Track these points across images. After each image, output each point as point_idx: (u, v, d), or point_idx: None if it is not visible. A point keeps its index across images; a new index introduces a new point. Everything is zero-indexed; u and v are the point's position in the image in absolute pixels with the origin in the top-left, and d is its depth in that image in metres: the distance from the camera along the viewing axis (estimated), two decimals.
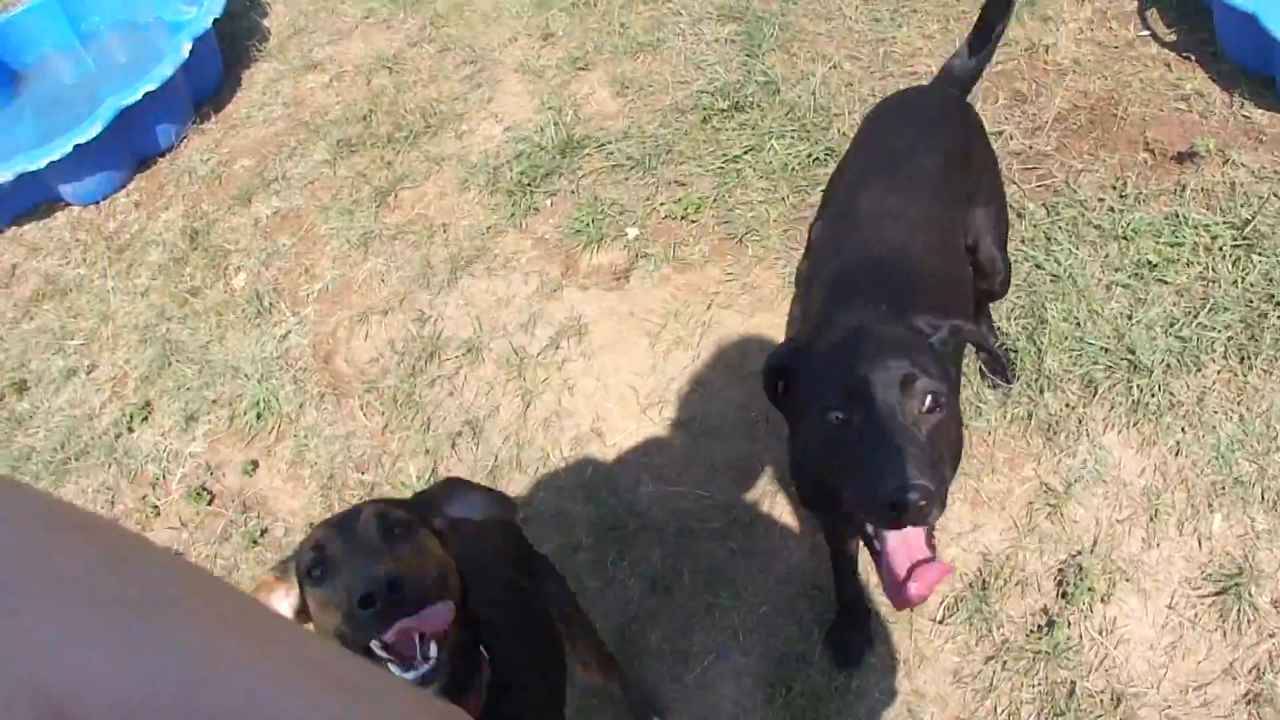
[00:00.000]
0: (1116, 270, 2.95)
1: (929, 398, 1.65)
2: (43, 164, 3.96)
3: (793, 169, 3.43)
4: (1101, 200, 3.12)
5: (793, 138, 3.52)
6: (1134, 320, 2.84)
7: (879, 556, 1.70)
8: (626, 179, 3.56)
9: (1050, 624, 2.45)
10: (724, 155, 3.53)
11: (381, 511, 1.48)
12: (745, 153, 3.52)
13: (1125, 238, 3.00)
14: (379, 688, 0.33)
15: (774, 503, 2.76)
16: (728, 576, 2.67)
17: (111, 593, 0.29)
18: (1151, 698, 2.33)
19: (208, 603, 0.31)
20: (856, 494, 1.64)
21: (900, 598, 1.70)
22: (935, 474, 1.59)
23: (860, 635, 2.52)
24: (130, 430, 3.45)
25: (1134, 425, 2.69)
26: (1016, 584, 2.53)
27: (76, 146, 3.94)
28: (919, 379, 1.65)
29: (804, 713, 2.45)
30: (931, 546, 1.71)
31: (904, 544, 1.70)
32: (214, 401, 3.40)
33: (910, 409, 1.64)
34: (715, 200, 3.41)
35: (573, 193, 3.58)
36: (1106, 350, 2.81)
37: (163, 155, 4.43)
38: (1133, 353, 2.78)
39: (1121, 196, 3.11)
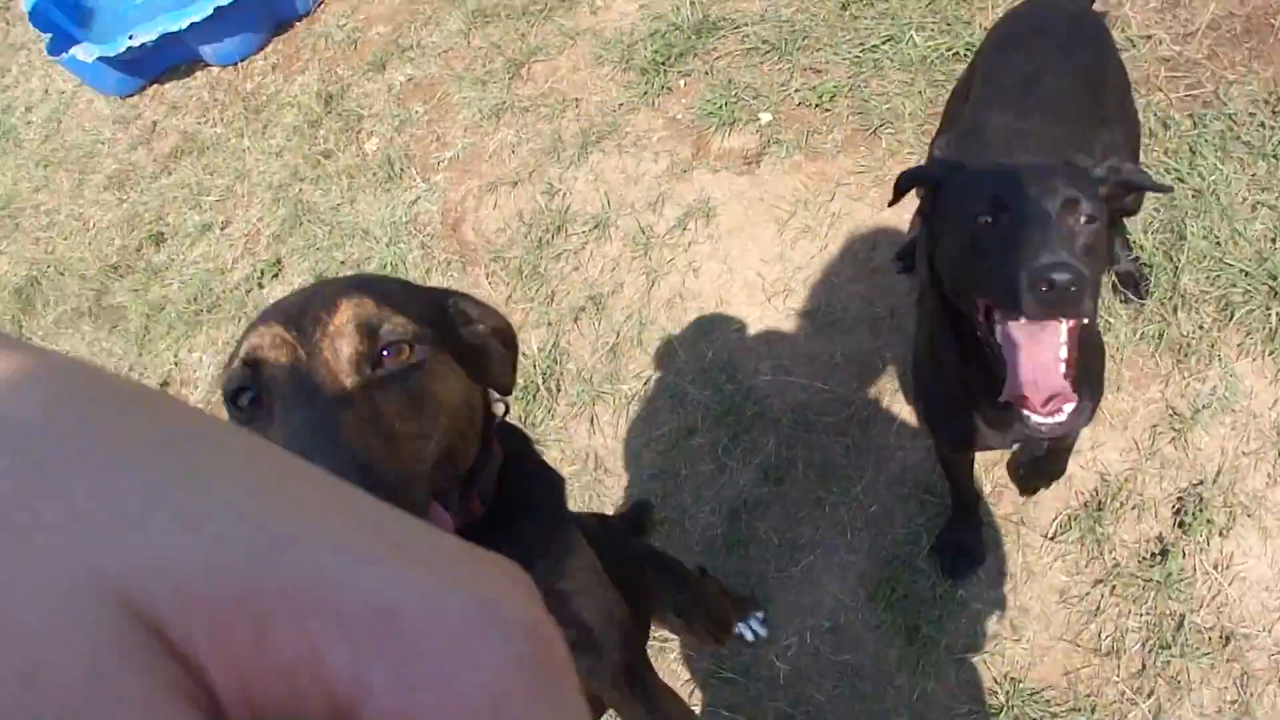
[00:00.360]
0: (1264, 190, 2.80)
1: (1084, 218, 1.57)
2: (184, 25, 4.04)
3: (932, 63, 3.31)
4: (1252, 115, 2.95)
5: (933, 30, 3.39)
6: (1278, 244, 2.72)
7: (1011, 356, 1.60)
8: (761, 63, 3.49)
9: (1164, 553, 2.39)
10: (861, 44, 3.43)
11: (365, 313, 0.99)
12: (883, 43, 3.41)
13: (1275, 156, 2.85)
14: (458, 559, 0.31)
15: (893, 401, 2.73)
16: (841, 472, 2.67)
17: (169, 469, 0.27)
18: (1262, 640, 2.27)
19: (271, 473, 0.30)
20: (1001, 281, 1.55)
21: (1024, 405, 1.62)
22: (1086, 270, 1.49)
23: (970, 547, 2.50)
24: (261, 286, 3.55)
25: (1270, 354, 2.57)
26: (1133, 508, 2.47)
27: (217, 8, 4.00)
28: (1081, 201, 1.56)
29: (906, 615, 2.45)
30: (1071, 382, 1.61)
31: (1039, 356, 1.60)
32: (342, 262, 3.47)
33: (1067, 221, 1.56)
34: (850, 90, 3.32)
35: (706, 74, 3.51)
36: (1246, 273, 2.67)
37: (300, 20, 4.46)
38: (1275, 278, 2.64)
39: (1274, 112, 2.94)
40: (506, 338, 1.19)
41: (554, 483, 1.32)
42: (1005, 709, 2.31)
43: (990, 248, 1.62)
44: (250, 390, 0.97)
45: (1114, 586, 2.39)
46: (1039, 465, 2.44)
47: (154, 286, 3.71)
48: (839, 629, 2.49)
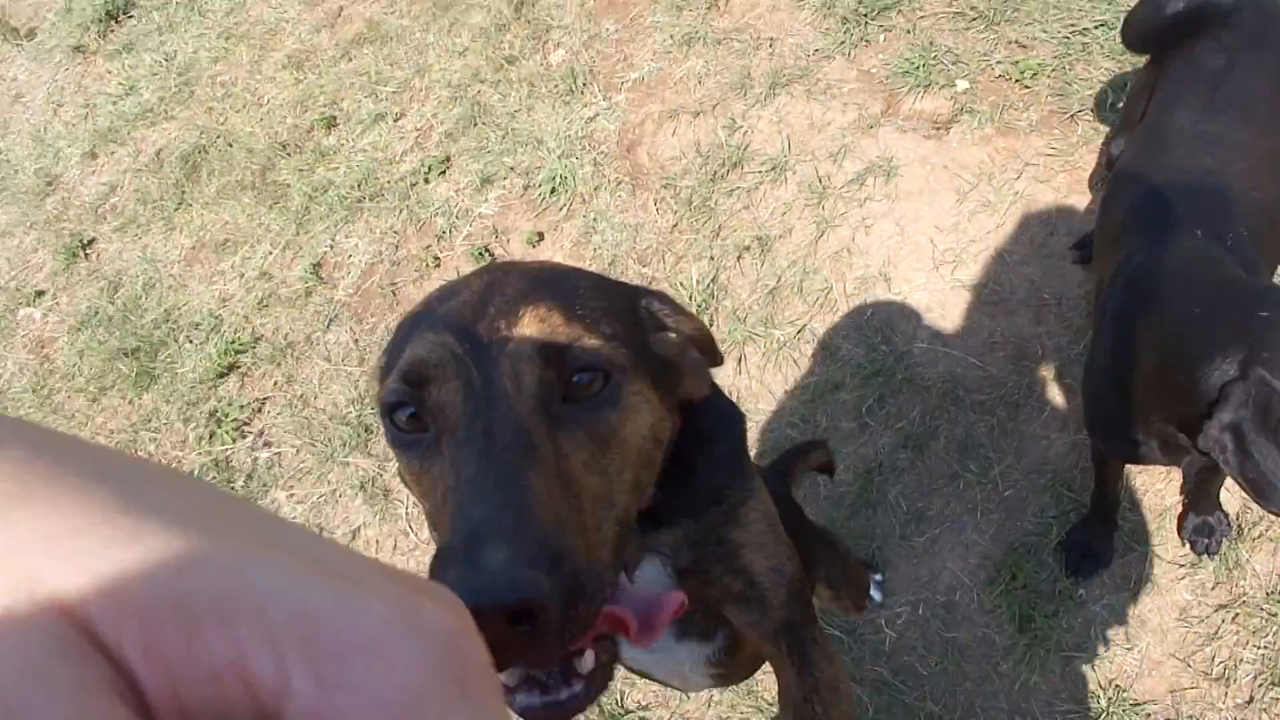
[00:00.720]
0: None
1: None
2: None
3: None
4: None
5: None
6: None
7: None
8: (966, 29, 3.40)
9: None
10: (1073, 25, 3.32)
11: (553, 330, 0.84)
12: (1096, 27, 3.30)
13: None
14: (379, 576, 0.32)
15: (1046, 390, 2.68)
16: (981, 451, 2.64)
17: (104, 495, 0.29)
18: None
19: (201, 498, 0.32)
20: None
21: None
22: None
23: (1099, 549, 2.45)
24: (426, 181, 3.61)
25: None
26: (1270, 540, 2.41)
27: None
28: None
29: (1021, 604, 2.43)
30: None
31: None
32: (511, 169, 3.51)
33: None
34: (1054, 70, 3.22)
35: (908, 32, 3.44)
36: None
37: None
38: None
39: None
40: (706, 346, 1.06)
41: (734, 421, 1.21)
42: (1105, 714, 2.29)
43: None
44: (410, 408, 0.85)
45: (1236, 614, 2.34)
46: (1205, 483, 2.37)
47: (320, 168, 3.79)
48: (952, 606, 2.48)
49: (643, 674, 1.45)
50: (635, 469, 0.89)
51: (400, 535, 2.88)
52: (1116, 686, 2.33)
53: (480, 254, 3.31)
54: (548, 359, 0.82)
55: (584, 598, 0.73)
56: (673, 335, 1.01)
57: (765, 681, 2.43)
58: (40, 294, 3.80)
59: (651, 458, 0.93)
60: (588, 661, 0.79)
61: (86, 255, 3.83)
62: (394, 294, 3.35)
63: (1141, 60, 2.54)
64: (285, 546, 0.31)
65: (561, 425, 0.82)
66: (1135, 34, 2.49)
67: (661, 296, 1.02)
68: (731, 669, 1.39)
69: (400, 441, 0.87)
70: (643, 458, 0.90)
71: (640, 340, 0.95)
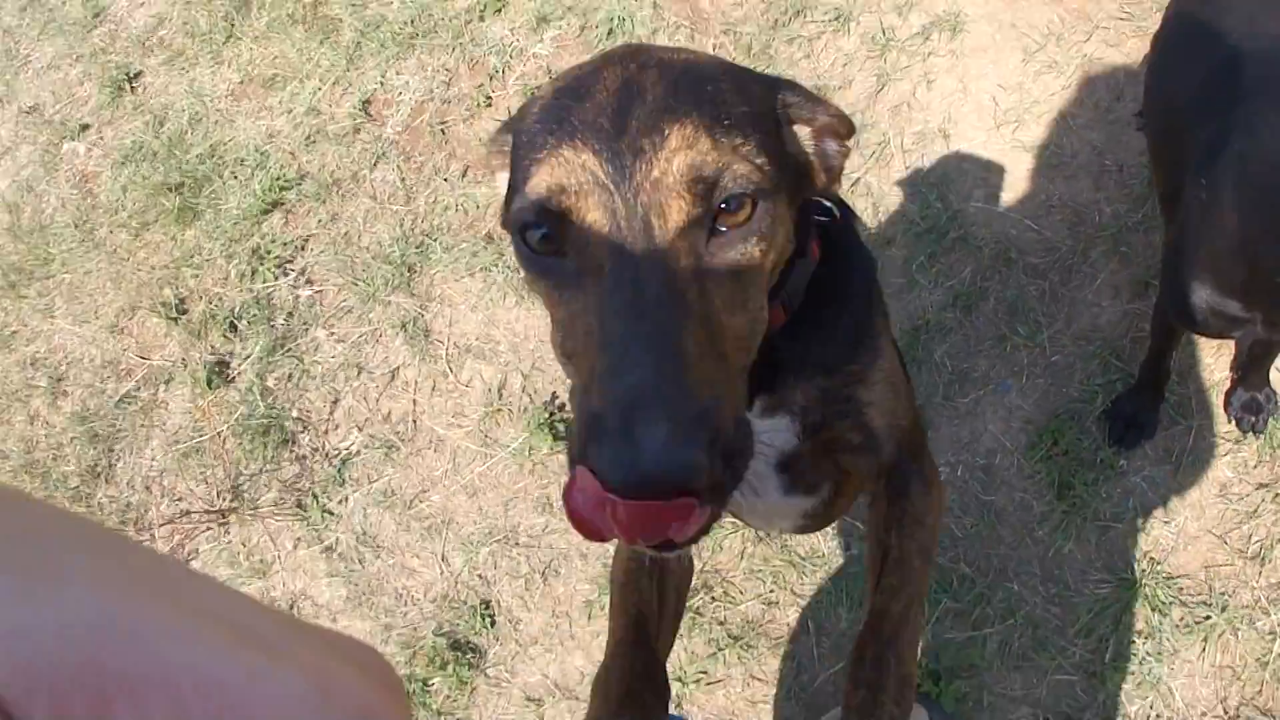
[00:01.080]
0: None
1: None
2: None
3: None
4: None
5: None
6: None
7: None
8: None
9: None
10: None
11: (702, 158, 0.79)
12: None
13: None
14: (300, 644, 0.32)
15: (1101, 255, 2.63)
16: (1030, 314, 2.60)
17: (22, 560, 0.29)
18: None
19: (117, 566, 0.31)
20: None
21: None
22: None
23: (1145, 420, 2.42)
24: (482, 19, 3.52)
25: None
26: None
27: None
28: None
29: (1060, 471, 2.42)
30: None
31: None
32: (569, 8, 3.42)
33: None
34: None
35: None
36: None
37: None
38: None
39: None
40: (843, 130, 0.98)
41: (867, 269, 1.18)
42: (1138, 585, 2.28)
43: None
44: (544, 229, 0.82)
45: (1277, 494, 2.33)
46: (1258, 358, 2.33)
47: (373, 4, 3.70)
48: (991, 469, 2.47)
49: (732, 514, 1.46)
50: (765, 295, 0.86)
51: (440, 376, 2.89)
52: (1151, 559, 2.33)
53: (534, 91, 3.24)
54: (696, 195, 0.79)
55: (736, 459, 0.73)
56: (808, 129, 0.96)
57: (800, 537, 2.44)
58: (85, 128, 3.78)
59: (771, 279, 0.90)
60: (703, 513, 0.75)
61: (133, 89, 3.79)
62: (443, 133, 3.31)
63: None
64: (204, 612, 0.31)
65: (708, 264, 0.80)
66: None
67: (795, 86, 0.96)
68: (822, 519, 1.40)
69: (534, 263, 0.84)
70: (770, 280, 0.88)
71: (778, 145, 0.90)
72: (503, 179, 0.97)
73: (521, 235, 0.83)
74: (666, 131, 0.79)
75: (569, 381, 0.84)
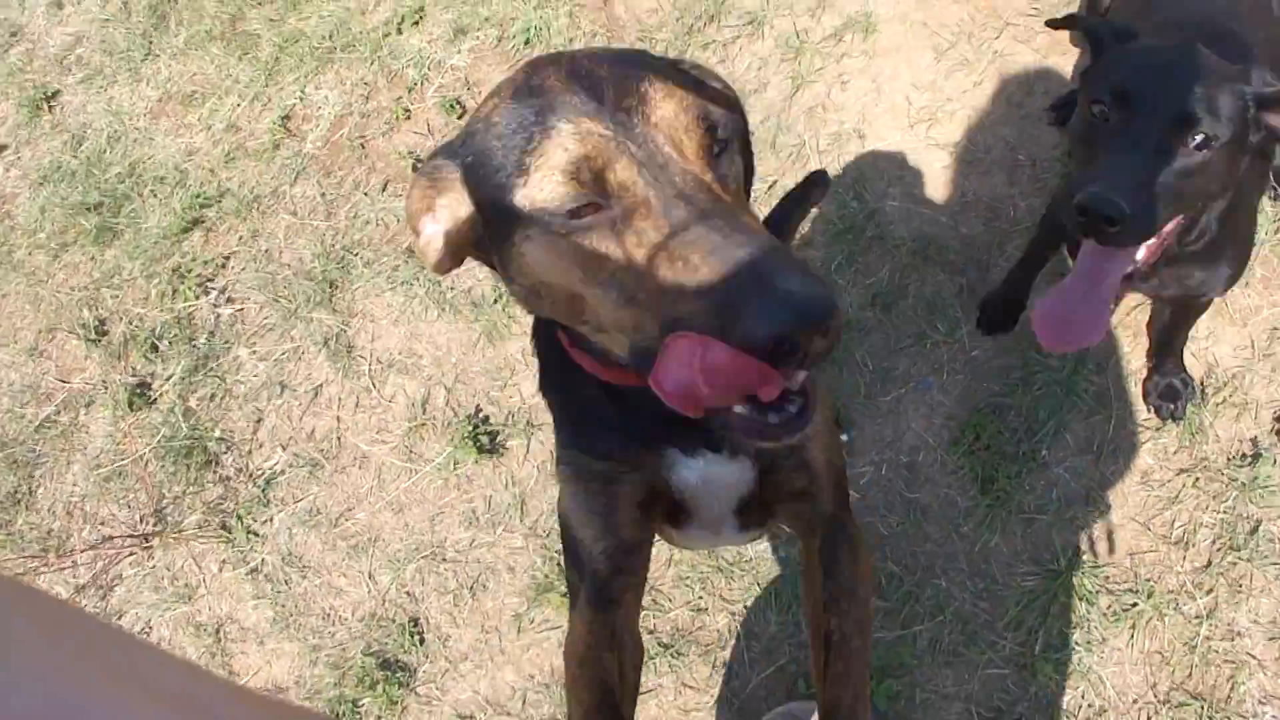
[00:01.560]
0: None
1: (1200, 137, 1.48)
2: None
3: None
4: None
5: None
6: None
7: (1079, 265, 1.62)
8: None
9: (1256, 457, 2.35)
10: None
11: (697, 101, 0.91)
12: None
13: None
14: (244, 714, 0.33)
15: (1016, 249, 2.64)
16: (949, 311, 2.62)
17: None
18: None
19: (63, 639, 0.31)
20: (1073, 185, 1.52)
21: (1041, 334, 1.66)
22: (1149, 205, 1.45)
23: (1004, 319, 2.53)
24: (399, 32, 3.50)
25: None
26: (1234, 406, 2.42)
27: None
28: (1201, 119, 1.47)
29: (984, 466, 2.44)
30: (1116, 299, 1.62)
31: (1089, 273, 1.61)
32: (486, 19, 3.41)
33: (1174, 140, 1.49)
34: None
35: None
36: None
37: None
38: None
39: None
40: (732, 96, 1.08)
41: None
42: (1064, 576, 2.30)
43: (1082, 153, 1.57)
44: (583, 199, 0.87)
45: (1197, 479, 2.36)
46: (1167, 342, 2.36)
47: (291, 18, 3.68)
48: (915, 467, 2.48)
49: (686, 546, 1.57)
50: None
51: (363, 392, 2.86)
52: (1076, 549, 2.35)
53: (451, 106, 3.23)
54: (704, 129, 0.89)
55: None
56: (716, 85, 1.06)
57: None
58: (2, 148, 3.71)
59: None
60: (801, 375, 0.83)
61: (50, 108, 3.74)
62: (363, 147, 3.28)
63: None
64: (145, 682, 0.31)
65: (720, 174, 0.90)
66: None
67: (697, 65, 1.06)
68: (761, 536, 1.49)
69: (573, 230, 0.87)
70: None
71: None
72: (455, 206, 0.99)
73: (549, 214, 0.88)
74: (646, 86, 0.88)
75: (622, 338, 0.91)
